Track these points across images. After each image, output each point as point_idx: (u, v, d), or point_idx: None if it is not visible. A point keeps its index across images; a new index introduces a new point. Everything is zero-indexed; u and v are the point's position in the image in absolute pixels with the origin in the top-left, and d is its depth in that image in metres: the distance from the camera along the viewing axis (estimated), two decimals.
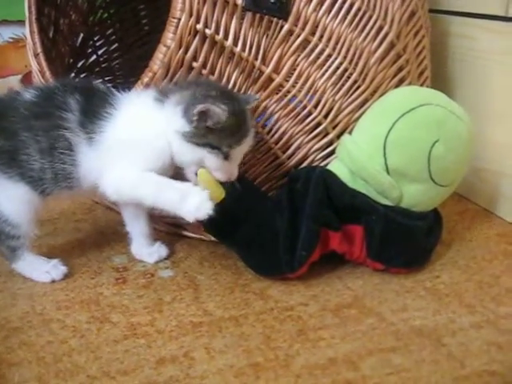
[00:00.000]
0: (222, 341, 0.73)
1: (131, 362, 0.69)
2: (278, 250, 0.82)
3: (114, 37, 1.50)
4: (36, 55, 1.12)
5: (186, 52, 0.85)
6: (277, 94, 0.89)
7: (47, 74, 1.10)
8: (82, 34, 1.42)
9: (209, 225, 0.82)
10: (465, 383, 0.66)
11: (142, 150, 0.80)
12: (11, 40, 1.63)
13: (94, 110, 0.82)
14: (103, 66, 1.50)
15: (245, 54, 0.85)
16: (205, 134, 0.78)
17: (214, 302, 0.81)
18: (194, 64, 0.85)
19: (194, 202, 0.76)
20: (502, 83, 1.04)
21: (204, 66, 0.85)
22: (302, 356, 0.70)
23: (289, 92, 0.89)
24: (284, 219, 0.82)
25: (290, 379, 0.66)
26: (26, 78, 1.63)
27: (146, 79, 0.88)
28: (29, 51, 1.14)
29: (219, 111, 0.76)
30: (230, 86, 0.87)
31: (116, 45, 1.51)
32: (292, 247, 0.81)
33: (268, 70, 0.87)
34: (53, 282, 0.86)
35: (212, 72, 0.86)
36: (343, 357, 0.70)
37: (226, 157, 0.79)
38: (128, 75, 1.52)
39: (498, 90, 1.06)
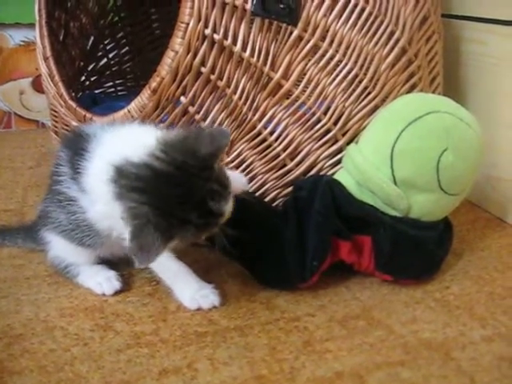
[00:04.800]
0: (227, 352, 0.72)
1: (134, 373, 0.68)
2: (286, 261, 0.80)
3: (124, 40, 1.51)
4: (46, 59, 1.12)
5: (194, 57, 0.84)
6: (285, 100, 0.88)
7: (56, 77, 1.10)
8: (92, 37, 1.42)
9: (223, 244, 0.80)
10: None
11: None
12: (22, 43, 1.64)
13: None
14: (114, 69, 1.50)
15: (253, 60, 0.84)
16: None
17: (219, 312, 0.80)
18: (203, 69, 0.84)
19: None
20: None
21: (212, 71, 0.85)
22: (308, 369, 0.69)
23: (298, 98, 0.88)
24: (290, 229, 0.81)
25: None
26: (37, 82, 1.63)
27: (153, 84, 0.87)
28: (38, 55, 1.14)
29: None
30: (239, 92, 0.86)
31: (127, 48, 1.51)
32: (301, 257, 0.80)
33: (277, 76, 0.86)
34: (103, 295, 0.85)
35: (220, 77, 0.85)
36: (350, 370, 0.69)
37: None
38: (139, 78, 1.52)
39: (511, 96, 1.04)
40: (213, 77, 0.85)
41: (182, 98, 0.87)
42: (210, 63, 0.84)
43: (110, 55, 1.48)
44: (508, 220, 1.09)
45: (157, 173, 0.70)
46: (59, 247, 0.86)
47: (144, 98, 0.89)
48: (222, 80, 0.85)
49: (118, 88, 1.52)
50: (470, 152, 0.84)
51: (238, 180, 0.80)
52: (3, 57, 1.64)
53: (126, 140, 0.77)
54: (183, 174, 0.69)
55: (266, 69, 0.85)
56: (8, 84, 1.66)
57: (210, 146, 0.69)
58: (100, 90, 1.47)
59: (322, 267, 0.81)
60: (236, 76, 0.85)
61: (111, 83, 1.50)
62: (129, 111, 0.91)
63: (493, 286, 0.87)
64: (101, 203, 0.75)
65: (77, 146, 0.80)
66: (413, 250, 0.83)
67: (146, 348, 0.72)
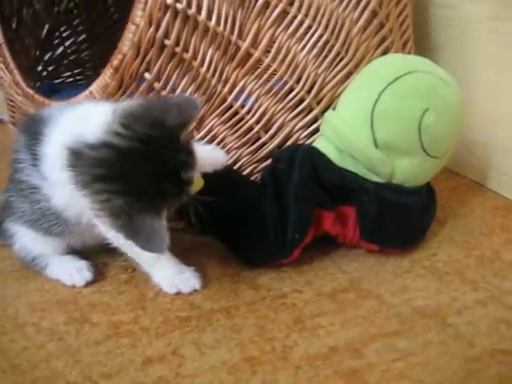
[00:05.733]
0: (213, 335, 0.68)
1: (115, 364, 0.63)
2: (267, 236, 0.76)
3: (81, 27, 1.45)
4: None
5: (157, 29, 0.79)
6: (255, 70, 0.84)
7: (11, 65, 1.04)
8: (47, 25, 1.35)
9: (198, 213, 0.76)
10: (477, 364, 0.62)
11: None
12: None
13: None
14: (71, 58, 1.45)
15: (220, 29, 0.80)
16: None
17: (202, 295, 0.75)
18: (167, 42, 0.79)
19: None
20: (490, 51, 1.00)
21: (177, 43, 0.80)
22: (301, 346, 0.65)
23: (269, 67, 0.83)
24: (269, 203, 0.77)
25: (290, 372, 0.61)
26: None
27: (115, 62, 0.82)
28: None
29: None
30: (206, 64, 0.81)
31: (84, 36, 1.46)
32: (282, 231, 0.76)
33: (245, 45, 0.81)
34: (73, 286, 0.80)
35: (186, 50, 0.80)
36: (345, 344, 0.65)
37: None
38: (98, 67, 1.45)
39: (486, 59, 1.02)
40: (178, 49, 0.80)
41: (147, 75, 0.82)
42: (174, 35, 0.79)
43: (67, 43, 1.42)
44: (487, 184, 1.07)
45: (120, 152, 0.64)
46: (25, 238, 0.81)
47: (106, 77, 0.84)
48: (187, 52, 0.80)
49: (77, 77, 1.46)
50: (451, 112, 0.81)
51: (215, 154, 0.76)
52: None
53: (81, 119, 0.70)
54: (149, 147, 0.64)
55: (234, 37, 0.81)
56: None
57: (178, 118, 0.64)
58: (58, 81, 1.41)
59: (305, 240, 0.77)
60: (202, 47, 0.81)
61: (69, 73, 1.44)
62: (91, 93, 0.86)
63: (480, 249, 0.85)
64: (62, 191, 0.70)
65: (34, 131, 0.75)
66: (398, 216, 0.80)
67: (127, 338, 0.68)
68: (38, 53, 1.34)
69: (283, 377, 0.60)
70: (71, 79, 1.44)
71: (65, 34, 1.41)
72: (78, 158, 0.65)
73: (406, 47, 0.96)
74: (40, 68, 1.35)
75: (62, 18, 1.40)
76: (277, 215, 0.76)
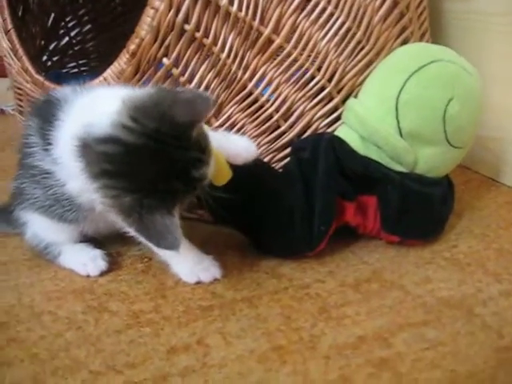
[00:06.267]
0: (238, 324, 0.66)
1: (138, 354, 0.61)
2: (294, 228, 0.75)
3: (86, 17, 1.43)
4: (7, 32, 1.04)
5: (176, 14, 0.77)
6: (276, 58, 0.82)
7: (19, 51, 1.02)
8: (53, 14, 1.33)
9: (214, 208, 0.74)
10: (507, 354, 0.61)
11: None
12: None
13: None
14: (76, 48, 1.42)
15: (242, 14, 0.78)
16: None
17: (222, 284, 0.74)
18: (187, 27, 0.78)
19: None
20: (505, 45, 0.99)
21: (197, 28, 0.78)
22: (328, 335, 0.64)
23: (289, 55, 0.82)
24: (297, 193, 0.75)
25: (320, 361, 0.60)
26: None
27: (132, 46, 0.80)
28: None
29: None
30: (227, 49, 0.79)
31: (89, 26, 1.43)
32: (309, 223, 0.74)
33: (267, 31, 0.80)
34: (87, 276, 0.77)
35: (206, 35, 0.79)
36: (373, 334, 0.64)
37: None
38: (102, 58, 1.44)
39: (501, 53, 1.01)
40: (198, 34, 0.78)
41: (165, 60, 0.80)
42: (194, 20, 0.77)
43: (72, 33, 1.40)
44: (501, 179, 1.06)
45: (128, 148, 0.61)
46: (37, 226, 0.78)
47: (122, 62, 0.82)
48: (208, 38, 0.79)
49: (82, 68, 1.44)
50: (474, 102, 0.80)
51: (246, 147, 0.73)
52: None
53: (92, 105, 0.68)
54: (158, 144, 0.61)
55: (256, 23, 0.79)
56: None
57: (188, 114, 0.61)
58: (63, 71, 1.39)
59: (329, 232, 0.76)
60: (223, 33, 0.79)
61: (74, 63, 1.42)
62: (105, 79, 0.84)
63: (499, 242, 0.84)
64: (75, 179, 0.68)
65: (46, 113, 0.72)
66: (420, 207, 0.79)
67: (148, 327, 0.66)
68: (43, 42, 1.32)
69: (314, 366, 0.59)
70: (76, 70, 1.42)
71: (70, 24, 1.38)
72: (86, 150, 0.63)
73: (423, 38, 0.95)
74: (45, 58, 1.33)
75: (67, 7, 1.38)
76: (304, 207, 0.74)
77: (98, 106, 0.66)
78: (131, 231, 0.71)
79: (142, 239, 0.71)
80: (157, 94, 0.63)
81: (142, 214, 0.61)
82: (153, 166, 0.62)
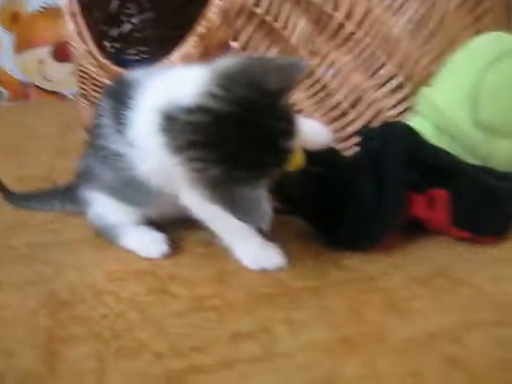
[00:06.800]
0: (303, 314, 0.64)
1: (204, 338, 0.60)
2: (362, 219, 0.73)
3: (149, 5, 1.42)
4: (73, 14, 1.04)
5: None
6: (347, 43, 0.80)
7: (85, 34, 1.02)
8: (116, 1, 1.33)
9: (281, 195, 0.72)
10: None
11: None
12: (41, 9, 1.54)
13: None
14: (137, 35, 1.42)
15: None
16: None
17: (286, 272, 0.72)
18: (257, 10, 0.77)
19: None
20: None
21: (268, 12, 0.77)
22: (397, 330, 0.61)
23: (361, 41, 0.80)
24: (366, 183, 0.73)
25: (389, 355, 0.57)
26: (57, 50, 1.55)
27: (200, 29, 0.79)
28: (65, 12, 1.06)
29: None
30: (297, 34, 0.78)
31: (151, 13, 1.43)
32: (378, 215, 0.72)
33: (339, 16, 0.78)
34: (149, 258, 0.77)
35: (276, 19, 0.77)
36: (444, 330, 0.61)
37: None
38: (163, 46, 1.43)
39: None
40: (268, 18, 0.77)
41: (234, 44, 0.79)
42: (265, 3, 0.76)
43: (134, 20, 1.40)
44: None
45: (216, 116, 0.60)
46: (102, 206, 0.78)
47: (189, 45, 0.82)
48: (278, 22, 0.77)
49: (142, 56, 1.44)
50: None
51: (320, 132, 0.72)
52: (21, 24, 1.54)
53: (173, 80, 0.67)
54: (248, 112, 0.60)
55: (328, 8, 0.77)
56: (26, 53, 1.57)
57: (279, 81, 0.60)
58: (124, 57, 1.39)
59: (397, 225, 0.73)
60: (294, 17, 0.78)
61: (135, 50, 1.42)
62: (171, 62, 0.84)
63: None
64: (152, 159, 0.68)
65: (120, 94, 0.72)
66: (494, 202, 0.75)
67: (212, 312, 0.65)
68: (105, 28, 1.32)
69: (383, 360, 0.57)
70: (137, 57, 1.42)
71: (133, 11, 1.38)
72: (171, 122, 0.62)
73: (500, 27, 0.91)
74: (107, 44, 1.33)
75: None
76: (373, 197, 0.72)
77: (182, 80, 0.65)
78: (197, 213, 0.70)
79: (207, 221, 0.71)
80: (246, 61, 0.62)
81: (229, 187, 0.59)
82: (241, 135, 0.60)
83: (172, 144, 0.62)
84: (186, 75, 0.66)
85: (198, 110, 0.61)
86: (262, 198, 0.60)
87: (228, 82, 0.60)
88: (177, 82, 0.66)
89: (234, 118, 0.60)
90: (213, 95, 0.60)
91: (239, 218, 0.61)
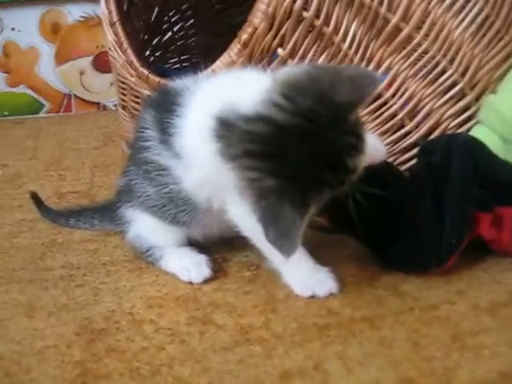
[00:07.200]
0: (359, 348, 0.58)
1: (248, 376, 0.55)
2: (421, 240, 0.66)
3: (189, 12, 1.38)
4: (112, 24, 1.01)
5: (294, 0, 0.70)
6: (404, 49, 0.74)
7: (124, 44, 0.99)
8: (156, 8, 1.30)
9: (333, 213, 0.67)
10: None
11: None
12: (82, 19, 1.52)
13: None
14: (179, 43, 1.38)
15: (367, 0, 0.71)
16: None
17: (338, 299, 0.66)
18: (305, 14, 0.71)
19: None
20: None
21: (317, 16, 0.71)
22: (465, 369, 0.55)
23: (419, 46, 0.74)
24: (426, 201, 0.66)
25: None
26: (98, 60, 1.52)
27: (244, 36, 0.75)
28: (104, 21, 1.03)
29: None
30: (349, 39, 0.72)
31: (192, 21, 1.39)
32: (438, 235, 0.66)
33: (395, 19, 0.72)
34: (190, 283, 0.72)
35: (327, 23, 0.72)
36: None
37: None
38: (204, 54, 1.40)
39: None
40: (317, 22, 0.72)
41: (280, 50, 0.75)
42: (314, 6, 0.71)
43: (175, 28, 1.36)
44: None
45: (279, 128, 0.56)
46: (143, 226, 0.74)
47: (232, 53, 0.77)
48: (328, 26, 0.72)
49: (184, 64, 1.40)
50: None
51: (376, 147, 0.66)
52: (62, 35, 1.53)
53: (231, 85, 0.63)
54: (313, 125, 0.55)
55: (383, 10, 0.72)
56: (67, 64, 1.55)
57: (350, 94, 0.55)
58: (166, 66, 1.36)
59: (461, 246, 0.67)
60: (346, 20, 0.72)
61: (176, 59, 1.39)
62: (213, 71, 0.79)
63: None
64: (200, 168, 0.64)
65: (165, 104, 0.68)
66: None
67: (259, 345, 0.59)
68: (146, 37, 1.29)
69: None
70: (178, 65, 1.38)
71: (173, 19, 1.35)
72: (228, 128, 0.59)
73: None
74: (148, 53, 1.30)
75: (171, 1, 1.35)
76: (433, 216, 0.66)
77: (242, 85, 0.62)
78: (245, 230, 0.66)
79: (255, 240, 0.67)
80: (315, 70, 0.58)
81: (276, 204, 0.55)
82: (304, 149, 0.56)
83: (227, 151, 0.59)
84: (246, 81, 0.63)
85: (259, 119, 0.57)
86: (299, 227, 0.55)
87: (293, 91, 0.56)
88: (235, 88, 0.62)
89: (297, 131, 0.56)
90: (276, 105, 0.57)
91: (269, 237, 0.56)
